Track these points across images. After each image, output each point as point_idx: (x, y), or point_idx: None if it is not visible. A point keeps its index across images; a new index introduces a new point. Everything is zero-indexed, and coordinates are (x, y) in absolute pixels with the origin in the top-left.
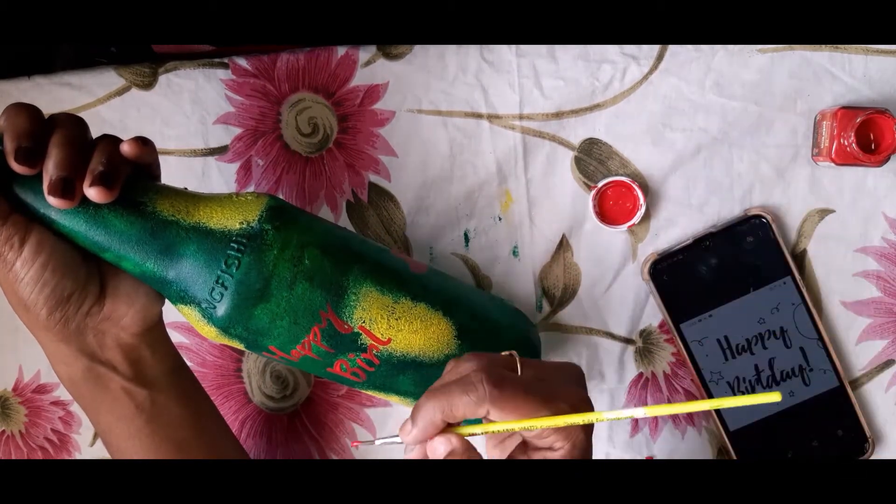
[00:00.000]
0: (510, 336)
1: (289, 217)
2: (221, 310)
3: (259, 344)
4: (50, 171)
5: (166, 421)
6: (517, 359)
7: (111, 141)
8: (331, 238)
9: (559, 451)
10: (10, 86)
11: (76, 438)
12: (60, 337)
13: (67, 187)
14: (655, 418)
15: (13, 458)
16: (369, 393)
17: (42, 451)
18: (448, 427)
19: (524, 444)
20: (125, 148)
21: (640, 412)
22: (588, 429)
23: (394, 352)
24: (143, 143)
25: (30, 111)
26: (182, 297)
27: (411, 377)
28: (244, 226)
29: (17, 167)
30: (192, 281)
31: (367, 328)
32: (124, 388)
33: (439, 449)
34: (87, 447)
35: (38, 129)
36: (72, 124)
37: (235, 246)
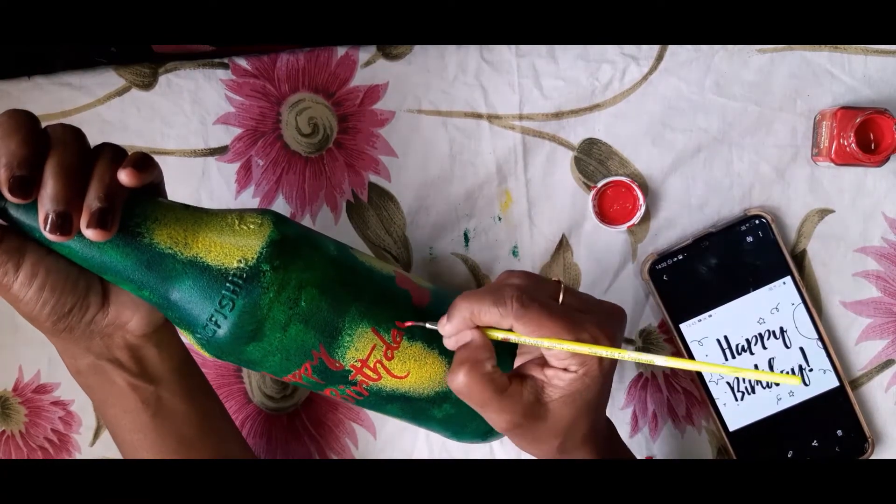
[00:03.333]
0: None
1: (289, 252)
2: (214, 342)
3: (252, 368)
4: (45, 205)
5: (171, 417)
6: (561, 287)
7: (109, 163)
8: (333, 271)
9: (571, 373)
10: (10, 86)
11: (76, 438)
12: (67, 340)
13: (64, 224)
14: (655, 418)
15: (13, 458)
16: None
17: (42, 451)
18: None
19: (542, 358)
20: (123, 178)
21: (659, 359)
22: (604, 361)
23: (383, 387)
24: (141, 168)
25: (23, 132)
26: (178, 322)
27: (399, 406)
28: (242, 265)
29: (11, 199)
30: (187, 312)
31: (359, 367)
32: (130, 384)
33: (465, 337)
34: (87, 447)
35: (33, 153)
36: (68, 144)
37: (231, 287)
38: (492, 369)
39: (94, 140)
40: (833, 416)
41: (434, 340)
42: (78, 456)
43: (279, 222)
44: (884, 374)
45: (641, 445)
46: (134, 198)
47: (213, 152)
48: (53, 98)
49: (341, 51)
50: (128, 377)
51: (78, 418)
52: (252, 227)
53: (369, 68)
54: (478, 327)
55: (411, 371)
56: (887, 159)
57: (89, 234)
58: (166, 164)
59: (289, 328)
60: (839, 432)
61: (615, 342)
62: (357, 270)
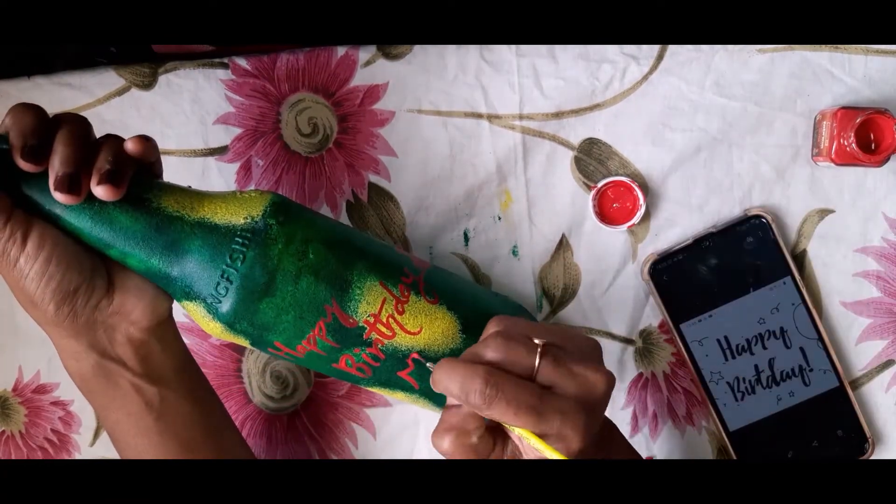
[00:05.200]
0: None
1: (293, 212)
2: (227, 305)
3: (264, 340)
4: (56, 167)
5: (175, 419)
6: (538, 352)
7: (115, 139)
8: (335, 233)
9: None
10: (10, 86)
11: (76, 438)
12: (70, 332)
13: (73, 183)
14: (655, 417)
15: (13, 458)
16: (374, 390)
17: (42, 452)
18: None
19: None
20: (129, 146)
21: None
22: (580, 443)
23: (399, 346)
24: (145, 139)
25: (35, 110)
26: (187, 294)
27: (417, 373)
28: (248, 221)
29: (23, 164)
30: (197, 276)
31: (372, 323)
32: (134, 385)
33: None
34: (87, 447)
35: (44, 126)
36: (76, 123)
37: (240, 241)
38: (477, 441)
39: None
40: (833, 417)
41: (441, 297)
42: (78, 456)
43: (277, 193)
44: (884, 374)
45: (641, 445)
46: (139, 174)
47: (212, 152)
48: (53, 98)
49: (341, 51)
50: (132, 378)
51: (78, 418)
52: (253, 194)
53: (369, 68)
54: None
55: (424, 326)
56: (887, 159)
57: (99, 191)
58: (166, 165)
59: (300, 280)
60: (839, 432)
61: (586, 432)
62: (357, 235)
